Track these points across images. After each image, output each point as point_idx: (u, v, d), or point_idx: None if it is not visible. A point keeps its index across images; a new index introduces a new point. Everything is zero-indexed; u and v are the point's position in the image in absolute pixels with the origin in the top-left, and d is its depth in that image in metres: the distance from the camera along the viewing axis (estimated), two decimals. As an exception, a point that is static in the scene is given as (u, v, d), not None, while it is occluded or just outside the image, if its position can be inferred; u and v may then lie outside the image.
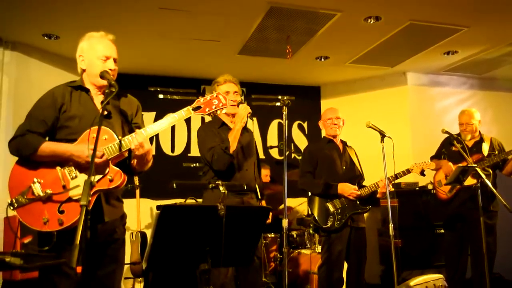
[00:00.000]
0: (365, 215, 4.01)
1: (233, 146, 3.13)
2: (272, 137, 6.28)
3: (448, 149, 4.48)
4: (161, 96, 5.95)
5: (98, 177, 2.09)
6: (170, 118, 2.23)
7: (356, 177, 3.89)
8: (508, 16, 4.19)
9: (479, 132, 4.49)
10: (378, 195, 3.78)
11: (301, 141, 6.32)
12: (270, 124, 6.28)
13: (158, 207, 2.04)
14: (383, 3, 3.90)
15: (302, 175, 3.94)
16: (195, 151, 5.97)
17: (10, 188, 2.16)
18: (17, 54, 4.72)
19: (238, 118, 3.20)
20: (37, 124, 2.20)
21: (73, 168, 2.15)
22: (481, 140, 4.44)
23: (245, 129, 3.33)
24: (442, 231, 4.99)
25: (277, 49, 4.95)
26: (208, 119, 6.03)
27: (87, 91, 2.31)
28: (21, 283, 3.64)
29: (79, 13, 3.96)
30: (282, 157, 6.11)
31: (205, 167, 3.29)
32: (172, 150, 5.93)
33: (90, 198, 1.82)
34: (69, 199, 2.10)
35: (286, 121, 2.98)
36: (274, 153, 6.29)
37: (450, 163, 4.34)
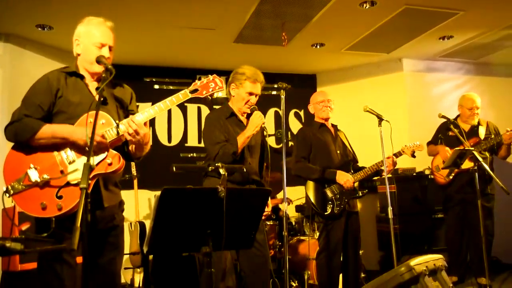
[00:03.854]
0: (361, 200, 4.01)
1: (239, 150, 3.05)
2: (269, 126, 6.27)
3: (445, 134, 4.52)
4: (156, 86, 5.93)
5: (97, 160, 2.08)
6: (168, 101, 2.23)
7: (350, 162, 3.89)
8: (503, 0, 4.18)
9: None
10: (384, 174, 3.65)
11: (298, 129, 6.30)
12: (267, 113, 6.26)
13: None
14: (379, -13, 3.89)
15: (297, 161, 3.90)
16: (192, 141, 5.97)
17: (5, 175, 2.12)
18: (10, 46, 4.68)
19: (251, 126, 3.09)
20: (34, 109, 2.17)
21: (70, 152, 2.14)
22: (478, 124, 4.48)
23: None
24: (441, 215, 5.03)
25: (273, 37, 4.93)
26: (204, 109, 6.05)
27: (81, 77, 2.30)
28: (21, 274, 3.63)
29: (72, 3, 3.92)
30: (279, 146, 6.11)
31: (207, 157, 3.22)
32: (169, 140, 5.91)
33: (89, 182, 1.81)
34: (68, 184, 2.09)
35: (284, 106, 2.96)
36: (271, 141, 6.28)
37: (447, 148, 4.37)
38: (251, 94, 3.21)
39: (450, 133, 4.45)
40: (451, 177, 4.39)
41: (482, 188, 4.10)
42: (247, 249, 2.74)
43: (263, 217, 3.50)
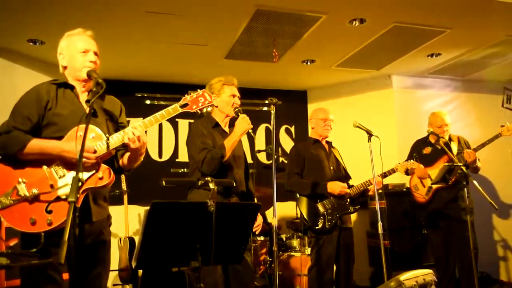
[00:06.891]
0: (353, 216, 4.04)
1: (227, 155, 3.02)
2: (260, 142, 6.29)
3: (419, 153, 4.54)
4: (148, 101, 5.94)
5: (87, 174, 2.07)
6: (158, 115, 2.24)
7: (343, 178, 3.92)
8: (489, 19, 4.27)
9: None
10: (370, 193, 3.79)
11: (288, 145, 6.33)
12: (258, 128, 6.29)
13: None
14: (368, 6, 3.95)
15: (289, 176, 3.93)
16: (183, 157, 5.95)
17: None
18: (1, 60, 4.67)
19: (238, 130, 3.04)
20: (22, 121, 2.14)
21: (60, 166, 2.11)
22: (449, 140, 4.51)
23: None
24: (431, 231, 5.04)
25: (264, 53, 4.98)
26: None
27: (72, 88, 2.29)
28: (7, 290, 3.56)
29: (64, 18, 3.94)
30: (270, 161, 6.12)
31: (192, 167, 3.16)
32: (160, 155, 5.90)
33: (78, 196, 1.79)
34: (58, 199, 2.05)
35: (274, 121, 2.98)
36: (262, 157, 6.30)
37: (422, 166, 4.39)
38: (233, 96, 3.26)
39: (424, 152, 4.50)
40: (430, 195, 4.39)
41: (461, 203, 4.14)
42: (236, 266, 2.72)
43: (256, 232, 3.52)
